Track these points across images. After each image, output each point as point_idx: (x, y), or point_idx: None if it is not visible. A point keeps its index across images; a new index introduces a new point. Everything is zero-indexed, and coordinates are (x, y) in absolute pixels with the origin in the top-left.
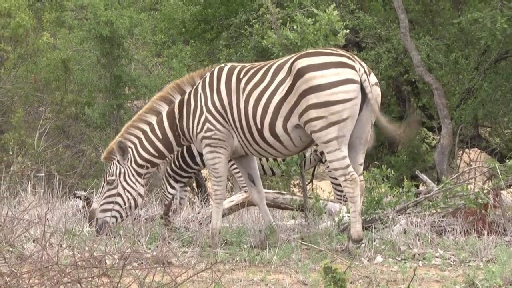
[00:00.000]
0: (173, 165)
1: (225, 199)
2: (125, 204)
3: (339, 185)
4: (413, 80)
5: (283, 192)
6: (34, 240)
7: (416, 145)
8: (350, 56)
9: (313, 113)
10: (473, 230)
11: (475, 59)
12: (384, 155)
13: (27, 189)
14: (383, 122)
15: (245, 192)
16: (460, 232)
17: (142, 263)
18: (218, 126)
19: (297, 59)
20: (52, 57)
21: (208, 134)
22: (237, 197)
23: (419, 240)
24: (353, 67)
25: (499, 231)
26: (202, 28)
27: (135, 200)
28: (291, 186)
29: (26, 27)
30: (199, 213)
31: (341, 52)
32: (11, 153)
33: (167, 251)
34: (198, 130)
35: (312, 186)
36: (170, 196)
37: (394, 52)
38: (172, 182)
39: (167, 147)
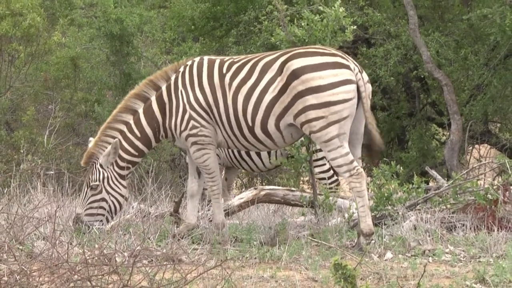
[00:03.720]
0: None
1: (221, 193)
2: (110, 208)
3: (331, 182)
4: (422, 76)
5: (293, 189)
6: (44, 238)
7: (426, 141)
8: (343, 56)
9: (312, 114)
10: (483, 226)
11: (485, 55)
12: (394, 152)
13: (37, 187)
14: (373, 125)
15: (255, 189)
16: (470, 228)
17: (152, 260)
18: (203, 122)
19: (290, 59)
20: (61, 55)
21: (194, 131)
22: (247, 194)
23: (429, 236)
24: (348, 67)
25: (509, 227)
26: (212, 25)
27: (119, 203)
28: (301, 183)
29: (37, 27)
30: (208, 210)
31: (333, 51)
32: (21, 151)
33: (177, 249)
34: (183, 128)
35: None
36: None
37: (404, 48)
38: None
39: (146, 144)
